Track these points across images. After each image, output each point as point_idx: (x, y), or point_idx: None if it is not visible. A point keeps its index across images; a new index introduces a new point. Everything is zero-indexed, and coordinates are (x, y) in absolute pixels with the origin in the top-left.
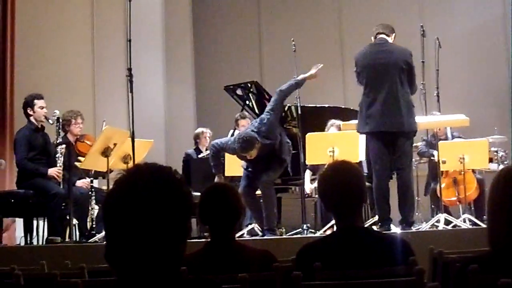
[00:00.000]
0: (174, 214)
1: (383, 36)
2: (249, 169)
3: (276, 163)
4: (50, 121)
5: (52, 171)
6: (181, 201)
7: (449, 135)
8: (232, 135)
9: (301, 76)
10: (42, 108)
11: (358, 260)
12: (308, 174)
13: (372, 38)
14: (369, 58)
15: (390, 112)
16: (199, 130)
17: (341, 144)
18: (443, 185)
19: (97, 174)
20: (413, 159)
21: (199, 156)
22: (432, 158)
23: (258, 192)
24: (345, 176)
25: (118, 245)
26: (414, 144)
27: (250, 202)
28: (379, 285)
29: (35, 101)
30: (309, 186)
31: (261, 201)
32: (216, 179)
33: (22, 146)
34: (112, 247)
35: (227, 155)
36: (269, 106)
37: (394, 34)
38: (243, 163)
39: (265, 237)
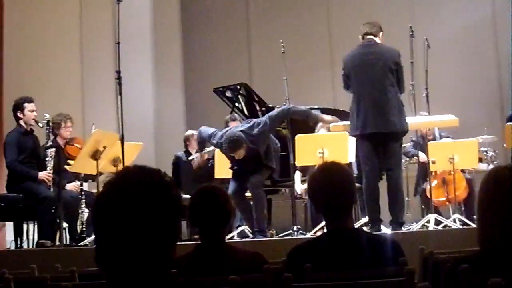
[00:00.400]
0: (163, 216)
1: (371, 37)
2: (236, 169)
3: (263, 166)
4: (40, 125)
5: (42, 175)
6: (170, 204)
7: (437, 135)
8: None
9: (316, 114)
10: (32, 111)
11: (348, 261)
12: (298, 175)
13: (360, 37)
14: (358, 60)
15: (380, 113)
16: (189, 132)
17: (330, 145)
18: (432, 185)
19: (86, 177)
20: (403, 160)
21: (192, 157)
22: (415, 157)
23: (248, 194)
24: (335, 177)
25: (108, 248)
26: (403, 145)
27: (240, 203)
28: (370, 286)
29: (25, 104)
30: (300, 187)
31: (251, 202)
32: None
33: (12, 149)
34: (102, 250)
35: (217, 157)
36: (272, 113)
37: (381, 33)
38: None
39: (256, 239)
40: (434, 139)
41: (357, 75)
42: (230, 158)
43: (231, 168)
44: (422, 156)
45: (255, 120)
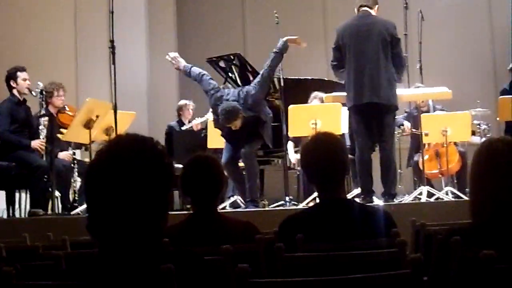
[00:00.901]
0: (155, 185)
1: (366, 8)
2: (228, 138)
3: (255, 136)
4: (34, 93)
5: (35, 143)
6: (162, 172)
7: (431, 108)
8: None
9: (280, 42)
10: (25, 80)
11: (340, 232)
12: (291, 145)
13: (355, 10)
14: (352, 31)
15: (373, 85)
16: (182, 102)
17: (323, 116)
18: (425, 158)
19: (77, 145)
20: (395, 132)
21: (185, 127)
22: (401, 127)
23: (241, 164)
24: (328, 148)
25: (99, 216)
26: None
27: (232, 173)
28: (362, 257)
29: (18, 73)
30: (294, 156)
31: (244, 173)
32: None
33: (4, 119)
34: (94, 218)
35: (210, 127)
36: (256, 79)
37: (377, 6)
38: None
39: (248, 209)
40: (428, 111)
41: (350, 46)
42: (221, 128)
43: (223, 136)
44: (407, 125)
45: (245, 89)
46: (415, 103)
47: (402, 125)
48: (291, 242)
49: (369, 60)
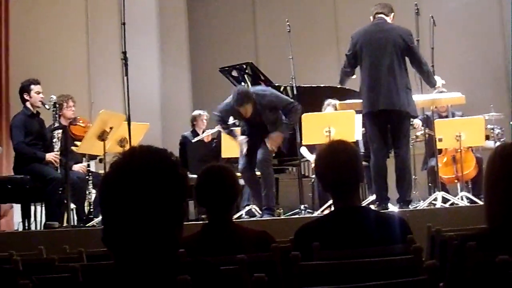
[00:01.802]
0: (170, 196)
1: (382, 15)
2: (247, 134)
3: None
4: (47, 106)
5: (49, 156)
6: (176, 183)
7: (450, 113)
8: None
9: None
10: (38, 93)
11: (356, 240)
12: (305, 149)
13: (371, 17)
14: (368, 38)
15: (388, 92)
16: (196, 112)
17: (337, 123)
18: (441, 164)
19: (91, 157)
20: (410, 138)
21: (196, 139)
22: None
23: (258, 172)
24: (342, 155)
25: (115, 227)
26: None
27: (249, 180)
28: (377, 264)
29: (32, 86)
30: (312, 157)
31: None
32: (238, 143)
33: (19, 131)
34: (109, 230)
35: (223, 137)
36: (281, 96)
37: (393, 14)
38: (241, 138)
39: (263, 218)
40: (447, 116)
41: (366, 53)
42: (238, 119)
43: (242, 133)
44: (418, 122)
45: (269, 88)
46: (436, 108)
47: (412, 122)
48: (307, 251)
49: (385, 67)
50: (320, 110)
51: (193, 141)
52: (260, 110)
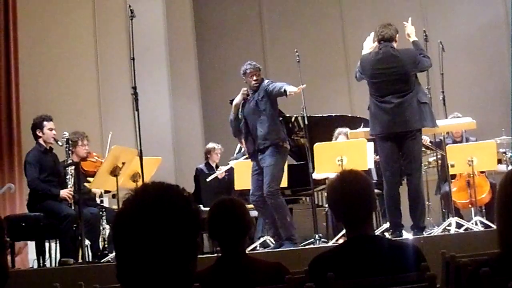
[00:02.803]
0: (183, 232)
1: (387, 43)
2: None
3: (275, 151)
4: (60, 143)
5: (64, 193)
6: (189, 219)
7: (464, 139)
8: (240, 149)
9: (281, 88)
10: (51, 129)
11: (370, 269)
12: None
13: (376, 41)
14: (375, 66)
15: (398, 116)
16: (211, 145)
17: (349, 152)
18: (455, 188)
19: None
20: (422, 164)
21: (210, 178)
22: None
23: None
24: (354, 185)
25: (129, 264)
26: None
27: (261, 209)
28: None
29: (44, 122)
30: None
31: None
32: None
33: (33, 168)
34: (123, 267)
35: (236, 169)
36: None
37: (397, 35)
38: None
39: (277, 249)
40: (461, 141)
41: (375, 80)
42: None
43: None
44: (426, 138)
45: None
46: (451, 133)
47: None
48: (321, 281)
49: (393, 94)
50: (331, 140)
51: (207, 180)
52: (261, 90)
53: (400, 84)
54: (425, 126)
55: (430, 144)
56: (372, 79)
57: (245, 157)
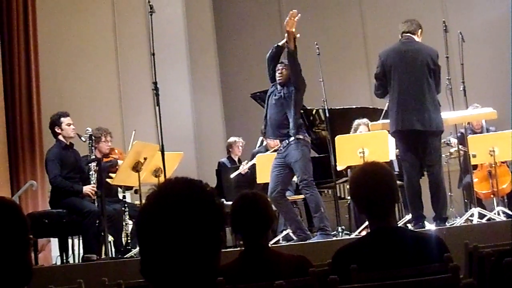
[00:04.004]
0: (206, 227)
1: (409, 34)
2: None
3: (299, 147)
4: (83, 139)
5: (86, 189)
6: (213, 214)
7: (484, 129)
8: (262, 142)
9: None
10: (69, 125)
11: (393, 260)
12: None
13: (399, 35)
14: (396, 56)
15: (417, 111)
16: (232, 139)
17: (370, 144)
18: (477, 179)
19: (126, 188)
20: (443, 155)
21: (234, 174)
22: (447, 143)
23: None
24: (376, 177)
25: (152, 260)
26: (443, 140)
27: (279, 206)
28: (415, 284)
29: (62, 119)
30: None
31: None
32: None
33: (54, 165)
34: (147, 262)
35: (258, 163)
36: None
37: (420, 30)
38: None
39: (300, 242)
40: (482, 132)
41: (395, 72)
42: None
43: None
44: (454, 141)
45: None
46: (471, 124)
47: (450, 141)
48: (345, 273)
49: (414, 86)
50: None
51: (231, 176)
52: (289, 80)
53: (420, 77)
54: (441, 129)
55: (459, 146)
56: (393, 66)
57: (271, 150)
